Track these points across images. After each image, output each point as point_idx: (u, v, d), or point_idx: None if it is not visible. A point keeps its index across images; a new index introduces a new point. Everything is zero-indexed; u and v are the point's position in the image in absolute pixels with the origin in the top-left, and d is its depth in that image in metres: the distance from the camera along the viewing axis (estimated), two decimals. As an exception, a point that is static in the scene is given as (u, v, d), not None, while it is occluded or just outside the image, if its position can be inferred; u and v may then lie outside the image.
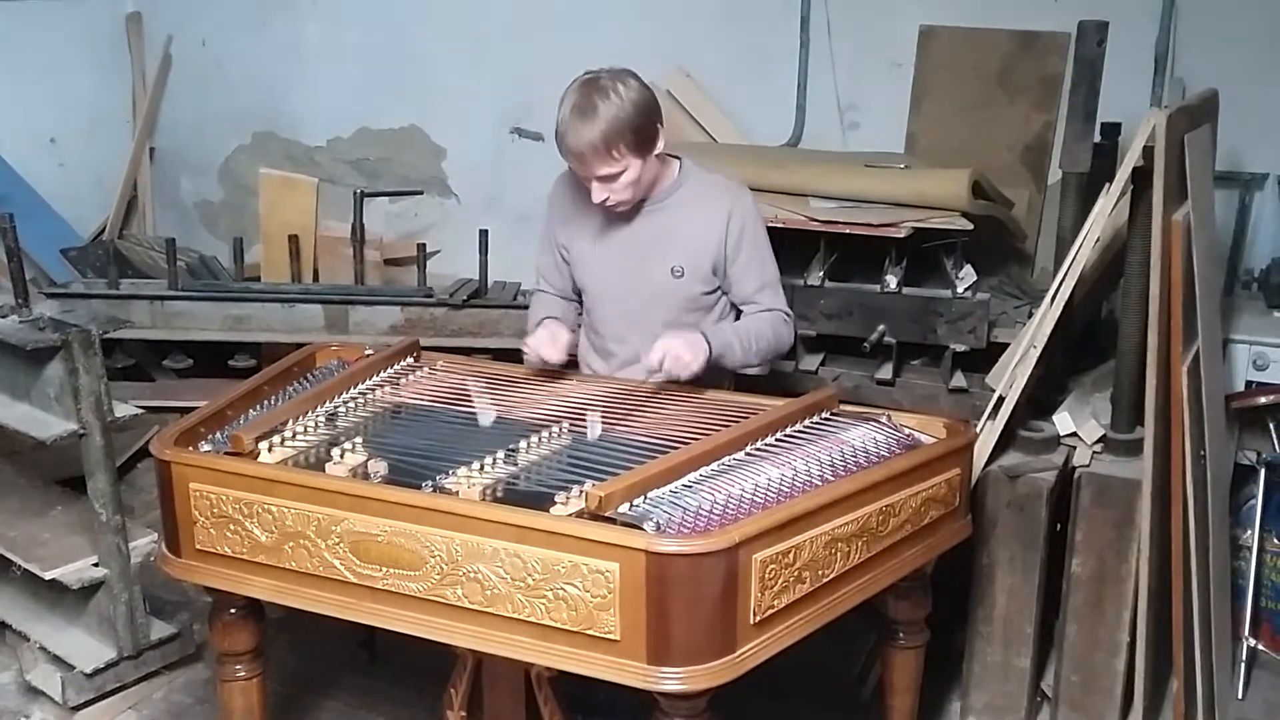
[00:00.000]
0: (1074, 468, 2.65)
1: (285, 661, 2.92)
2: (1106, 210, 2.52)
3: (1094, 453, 2.68)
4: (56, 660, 2.79)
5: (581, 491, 1.92)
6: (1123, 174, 2.45)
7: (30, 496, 3.07)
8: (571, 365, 2.64)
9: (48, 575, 2.67)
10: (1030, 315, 3.20)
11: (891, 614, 2.37)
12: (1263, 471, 3.00)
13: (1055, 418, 2.74)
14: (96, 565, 2.72)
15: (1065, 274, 2.59)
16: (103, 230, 5.01)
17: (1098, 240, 2.65)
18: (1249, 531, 3.04)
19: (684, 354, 2.34)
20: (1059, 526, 2.69)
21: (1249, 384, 3.05)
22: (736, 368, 2.55)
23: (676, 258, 2.51)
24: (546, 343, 2.49)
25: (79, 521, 2.85)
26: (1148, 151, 2.42)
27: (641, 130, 2.32)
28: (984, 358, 3.09)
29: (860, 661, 2.91)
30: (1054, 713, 2.76)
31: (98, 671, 2.75)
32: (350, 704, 2.87)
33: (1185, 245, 2.45)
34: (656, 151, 2.41)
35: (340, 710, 2.85)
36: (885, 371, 3.16)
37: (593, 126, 2.27)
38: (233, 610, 2.24)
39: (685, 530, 1.83)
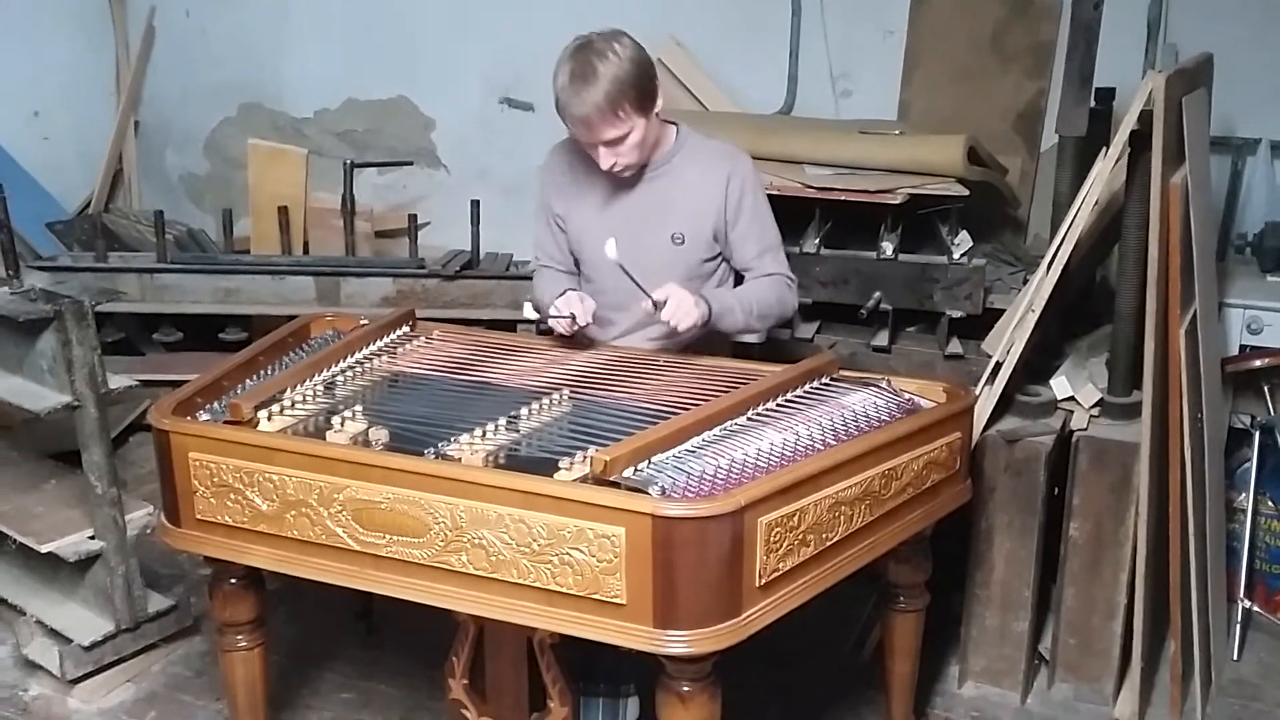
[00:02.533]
0: (1071, 431, 2.65)
1: (283, 633, 2.91)
2: (1105, 174, 2.52)
3: (1091, 416, 2.69)
4: (54, 634, 2.77)
5: (585, 457, 1.92)
6: (1121, 137, 2.44)
7: (23, 470, 3.04)
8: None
9: (44, 548, 2.65)
10: (1025, 281, 3.21)
11: (892, 578, 2.37)
12: (1257, 435, 3.02)
13: (1052, 382, 2.75)
14: (93, 538, 2.70)
15: (1063, 238, 2.59)
16: (88, 204, 4.97)
17: (1095, 204, 2.64)
18: (1243, 494, 3.05)
19: (685, 301, 2.32)
20: (1056, 490, 2.70)
21: (1243, 348, 3.06)
22: (737, 332, 2.54)
23: (676, 224, 2.50)
24: (576, 302, 2.44)
25: (73, 495, 2.83)
26: (1145, 115, 2.42)
27: (643, 87, 2.31)
28: (979, 324, 3.09)
29: (859, 627, 2.92)
30: (1051, 675, 2.78)
31: (95, 645, 2.73)
32: (349, 674, 2.86)
33: (1183, 208, 2.45)
34: (657, 110, 2.39)
35: (339, 681, 2.85)
36: (881, 338, 3.16)
37: (595, 89, 2.25)
38: (233, 580, 2.23)
39: (690, 494, 1.83)
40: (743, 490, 1.79)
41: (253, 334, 4.03)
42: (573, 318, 2.41)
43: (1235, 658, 2.93)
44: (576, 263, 2.66)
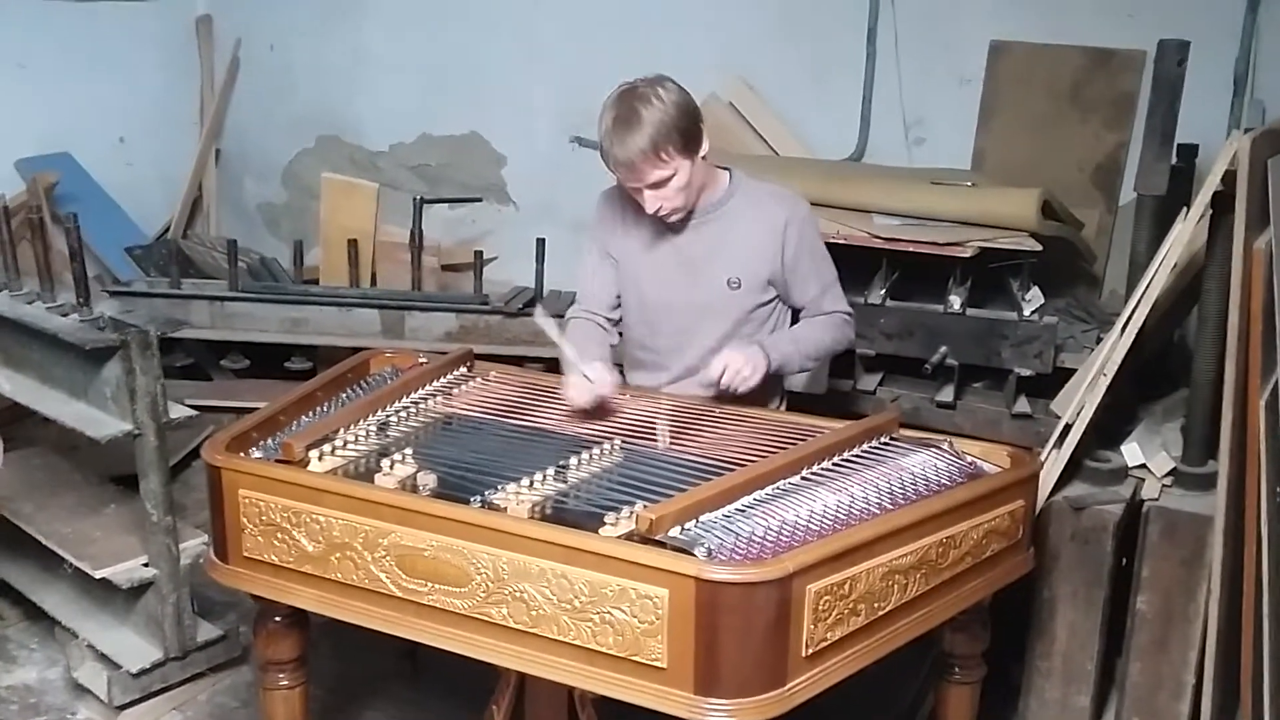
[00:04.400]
0: (1142, 501, 2.55)
1: (329, 668, 2.90)
2: (1184, 235, 2.43)
3: (1163, 486, 2.59)
4: (104, 659, 2.80)
5: (632, 513, 1.88)
6: (1203, 198, 2.36)
7: (85, 493, 3.09)
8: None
9: (98, 574, 2.68)
10: (1099, 340, 3.11)
11: (947, 647, 2.29)
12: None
13: (1124, 448, 2.65)
14: (146, 565, 2.72)
15: (1139, 300, 2.50)
16: (167, 229, 5.08)
17: (1174, 266, 2.55)
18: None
19: (744, 368, 2.35)
20: (1125, 561, 2.60)
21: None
22: (795, 373, 2.57)
23: (733, 269, 2.48)
24: (584, 395, 2.35)
25: (131, 520, 2.86)
26: (1229, 176, 2.33)
27: (687, 131, 2.30)
28: (1049, 383, 3.00)
29: (912, 693, 2.83)
30: (1114, 754, 2.67)
31: (143, 672, 2.75)
32: (392, 714, 2.85)
33: (1266, 274, 2.36)
34: (703, 153, 2.38)
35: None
36: (946, 394, 3.08)
37: (639, 133, 2.25)
38: (277, 619, 2.23)
39: (738, 557, 1.78)
40: (791, 556, 1.74)
41: (318, 364, 4.07)
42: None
43: (1311, 744, 2.78)
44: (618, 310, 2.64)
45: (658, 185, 2.34)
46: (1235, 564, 2.47)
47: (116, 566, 2.69)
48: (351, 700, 2.87)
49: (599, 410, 2.37)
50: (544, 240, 3.93)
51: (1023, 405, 3.02)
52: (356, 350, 2.81)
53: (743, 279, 2.49)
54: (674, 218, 2.43)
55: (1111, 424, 2.78)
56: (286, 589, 2.08)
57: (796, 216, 2.50)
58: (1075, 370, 2.92)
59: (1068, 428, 2.59)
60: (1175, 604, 2.52)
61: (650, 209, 2.38)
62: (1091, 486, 2.60)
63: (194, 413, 2.76)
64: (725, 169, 2.53)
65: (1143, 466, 2.62)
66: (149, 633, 2.80)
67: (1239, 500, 2.44)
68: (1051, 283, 3.33)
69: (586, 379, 2.35)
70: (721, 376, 2.35)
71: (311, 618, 2.27)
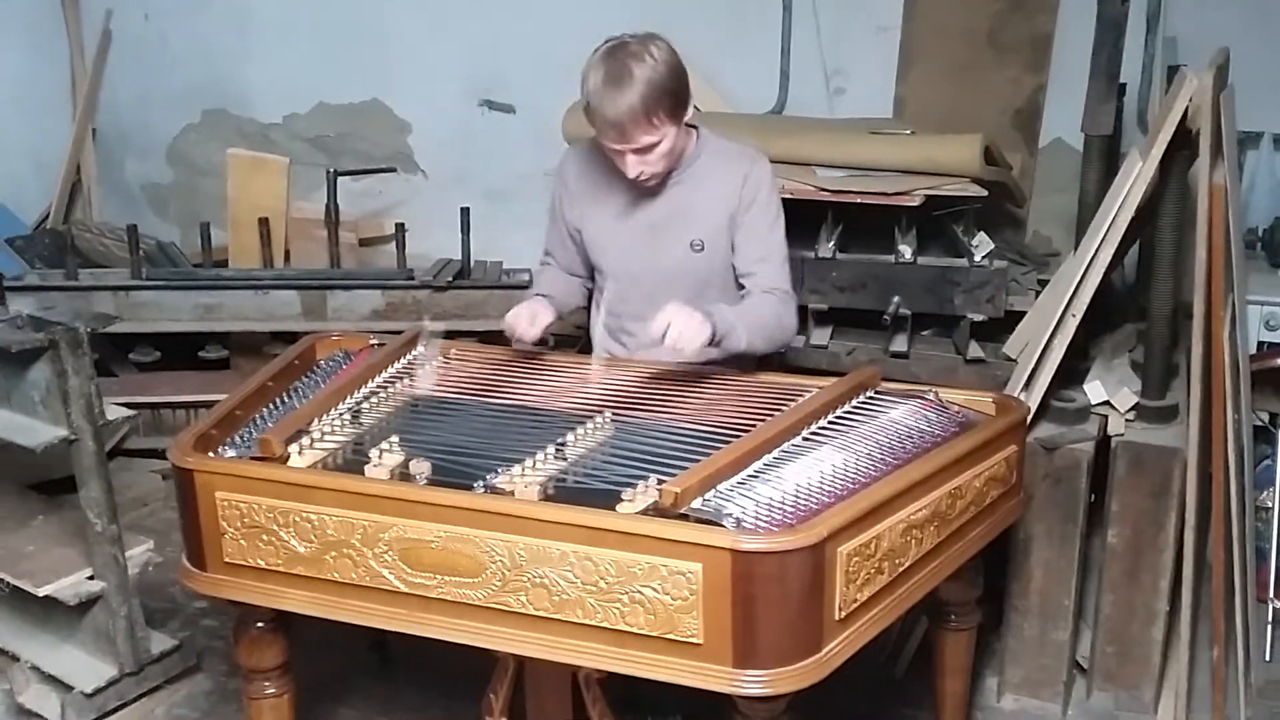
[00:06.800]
0: (1109, 437, 2.60)
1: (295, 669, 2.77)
2: (1147, 173, 2.46)
3: (1127, 420, 2.64)
4: (51, 680, 2.61)
5: (645, 486, 1.82)
6: (1164, 136, 2.39)
7: (6, 506, 2.87)
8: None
9: (41, 591, 2.48)
10: (1039, 281, 3.16)
11: (944, 595, 2.29)
12: (1280, 433, 2.99)
13: (1086, 386, 2.70)
14: (91, 578, 2.54)
15: (1103, 238, 2.53)
16: (46, 217, 4.76)
17: (1124, 204, 2.59)
18: (1265, 493, 3.03)
19: (688, 324, 2.16)
20: (1093, 497, 2.65)
21: (1261, 345, 3.04)
22: (739, 352, 2.36)
23: (696, 231, 2.41)
24: (524, 320, 2.35)
25: (65, 531, 2.67)
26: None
27: (678, 94, 2.22)
28: (993, 327, 3.03)
29: (891, 640, 2.85)
30: (1090, 685, 2.73)
31: (98, 691, 2.57)
32: (365, 711, 2.73)
33: (1224, 208, 2.41)
34: (687, 117, 2.30)
35: (355, 718, 2.72)
36: (899, 343, 3.08)
37: (631, 92, 2.14)
38: (260, 624, 2.10)
39: (763, 524, 1.74)
40: (823, 520, 1.70)
41: (234, 351, 3.86)
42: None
43: (1266, 659, 2.90)
44: (590, 266, 2.56)
45: (643, 150, 2.25)
46: (1204, 491, 2.54)
47: (60, 582, 2.50)
48: (323, 699, 2.74)
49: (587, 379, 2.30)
50: (468, 210, 3.80)
51: (975, 350, 3.04)
52: (276, 335, 2.65)
53: (706, 241, 2.41)
54: (652, 182, 2.35)
55: (1066, 363, 2.82)
56: (276, 593, 1.95)
57: (756, 173, 2.42)
58: (1022, 313, 2.96)
59: (1035, 371, 2.61)
60: (1145, 535, 2.58)
61: (632, 174, 2.28)
62: (1059, 426, 2.64)
63: (131, 412, 2.58)
64: (694, 127, 2.45)
65: (1106, 403, 2.67)
66: (99, 649, 2.62)
67: (1204, 430, 2.51)
68: (982, 228, 3.35)
69: (537, 303, 2.33)
70: (665, 334, 2.15)
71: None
